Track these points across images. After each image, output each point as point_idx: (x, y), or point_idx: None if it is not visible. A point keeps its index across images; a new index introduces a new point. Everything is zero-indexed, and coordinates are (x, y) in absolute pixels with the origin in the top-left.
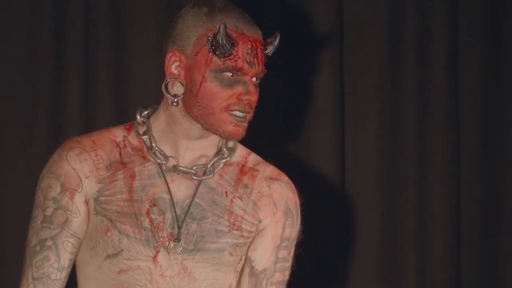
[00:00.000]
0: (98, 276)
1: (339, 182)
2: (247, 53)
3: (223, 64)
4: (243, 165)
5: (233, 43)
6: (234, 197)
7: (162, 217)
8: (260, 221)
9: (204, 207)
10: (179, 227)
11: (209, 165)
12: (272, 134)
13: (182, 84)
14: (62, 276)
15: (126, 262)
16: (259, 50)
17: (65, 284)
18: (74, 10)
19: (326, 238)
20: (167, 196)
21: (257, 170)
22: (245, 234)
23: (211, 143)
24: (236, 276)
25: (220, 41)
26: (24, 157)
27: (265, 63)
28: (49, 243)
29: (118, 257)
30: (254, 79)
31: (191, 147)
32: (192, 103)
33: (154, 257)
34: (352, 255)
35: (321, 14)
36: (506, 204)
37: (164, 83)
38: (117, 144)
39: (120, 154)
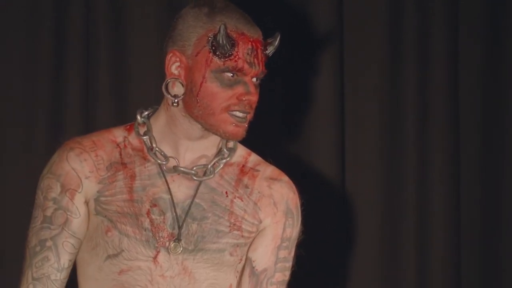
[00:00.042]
0: (99, 277)
1: (339, 182)
2: (248, 54)
3: (224, 64)
4: (243, 165)
5: (233, 44)
6: (235, 197)
7: (162, 217)
8: (260, 222)
9: (204, 207)
10: (180, 227)
11: (209, 166)
12: (272, 134)
13: (182, 85)
14: (61, 276)
15: (126, 262)
16: (259, 51)
17: (64, 284)
18: (74, 10)
19: (326, 238)
20: (167, 197)
21: (258, 170)
22: (246, 234)
23: (211, 143)
24: (236, 276)
25: (221, 42)
26: (24, 157)
27: (265, 63)
28: (49, 243)
29: (118, 258)
30: (254, 79)
31: (192, 147)
32: (192, 104)
33: (155, 258)
34: (352, 255)
35: (321, 14)
36: (506, 204)
37: (164, 83)
38: (118, 145)
39: (121, 154)
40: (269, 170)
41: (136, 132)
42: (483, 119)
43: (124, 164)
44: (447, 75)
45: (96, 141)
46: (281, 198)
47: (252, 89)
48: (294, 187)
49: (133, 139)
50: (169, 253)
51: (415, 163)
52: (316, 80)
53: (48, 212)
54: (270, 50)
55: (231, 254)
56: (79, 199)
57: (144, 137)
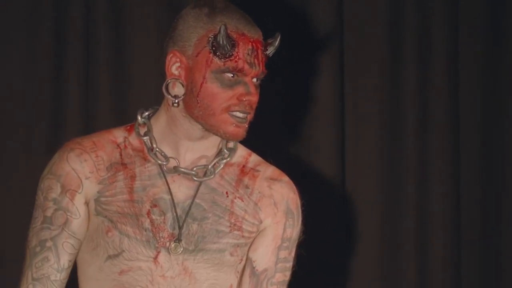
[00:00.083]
0: (99, 277)
1: (339, 182)
2: (248, 54)
3: (224, 65)
4: (243, 166)
5: (233, 44)
6: (235, 198)
7: (162, 217)
8: (260, 222)
9: (204, 207)
10: (180, 228)
11: (209, 166)
12: (272, 135)
13: (182, 85)
14: (61, 277)
15: (127, 262)
16: (259, 51)
17: (64, 285)
18: (74, 10)
19: (326, 238)
20: (167, 197)
21: (258, 171)
22: (246, 234)
23: (211, 143)
24: (237, 277)
25: (221, 42)
26: (24, 157)
27: (265, 63)
28: (49, 244)
29: (119, 258)
30: (254, 79)
31: (192, 147)
32: (192, 104)
33: (155, 258)
34: (352, 255)
35: (321, 14)
36: (506, 204)
37: (164, 84)
38: (118, 145)
39: (121, 155)
40: (269, 170)
41: (136, 132)
42: (483, 119)
43: (124, 165)
44: (447, 75)
45: (96, 142)
46: (281, 199)
47: (252, 89)
48: (294, 187)
49: (133, 140)
50: (169, 253)
51: (415, 163)
52: (316, 80)
53: (48, 213)
54: (270, 50)
55: (231, 254)
56: (79, 200)
57: (145, 138)
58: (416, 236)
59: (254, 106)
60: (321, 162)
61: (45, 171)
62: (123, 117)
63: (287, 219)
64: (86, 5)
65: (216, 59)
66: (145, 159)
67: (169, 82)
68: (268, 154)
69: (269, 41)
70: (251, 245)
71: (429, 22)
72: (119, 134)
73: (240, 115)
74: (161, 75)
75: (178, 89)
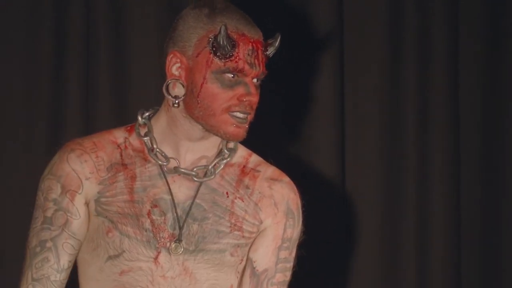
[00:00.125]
0: (100, 278)
1: (339, 182)
2: (248, 54)
3: (224, 65)
4: (244, 166)
5: (234, 45)
6: (235, 198)
7: (163, 218)
8: (261, 222)
9: (205, 207)
10: (180, 228)
11: (210, 167)
12: (272, 135)
13: (183, 86)
14: (61, 277)
15: (127, 263)
16: (259, 51)
17: (64, 285)
18: (74, 10)
19: (326, 238)
20: (168, 197)
21: (258, 171)
22: (246, 234)
23: (212, 144)
24: (237, 277)
25: (221, 43)
26: (24, 157)
27: (265, 64)
28: (49, 244)
29: (119, 258)
30: (255, 80)
31: (192, 148)
32: (193, 105)
33: (156, 258)
34: (352, 255)
35: (321, 14)
36: (506, 204)
37: (165, 84)
38: (118, 146)
39: (121, 155)
40: (270, 170)
41: (137, 133)
42: (483, 119)
43: (124, 165)
44: (447, 75)
45: (96, 142)
46: (281, 199)
47: (252, 90)
48: (295, 187)
49: (133, 140)
50: (170, 253)
51: (415, 163)
52: (316, 80)
53: (49, 213)
54: (270, 50)
55: (231, 255)
56: (79, 200)
57: (145, 138)
58: (416, 236)
59: (255, 107)
60: (321, 162)
61: (46, 171)
62: (123, 117)
63: (288, 219)
64: (86, 5)
65: (216, 60)
66: (145, 160)
67: (170, 83)
68: (268, 154)
69: (269, 41)
70: (251, 246)
71: (429, 22)
72: (119, 135)
73: (241, 115)
74: (161, 75)
75: (178, 90)
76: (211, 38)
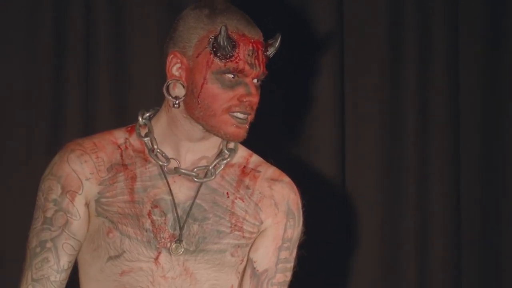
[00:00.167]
0: (100, 278)
1: (339, 182)
2: (248, 55)
3: (224, 66)
4: (244, 166)
5: (234, 45)
6: (236, 198)
7: (163, 218)
8: (261, 222)
9: (205, 208)
10: (181, 228)
11: (210, 167)
12: (272, 135)
13: (183, 86)
14: (61, 278)
15: (128, 263)
16: (260, 52)
17: (64, 286)
18: (74, 10)
19: (326, 238)
20: (168, 198)
21: (259, 171)
22: (247, 235)
23: (212, 144)
24: (238, 277)
25: (221, 43)
26: (24, 157)
27: (266, 64)
28: (49, 244)
29: (120, 259)
30: (255, 80)
31: (193, 148)
32: (193, 105)
33: (156, 258)
34: (352, 255)
35: (321, 14)
36: (506, 204)
37: (165, 85)
38: (119, 146)
39: (121, 156)
40: (270, 171)
41: (137, 133)
42: (483, 119)
43: (125, 166)
44: (447, 75)
45: (97, 143)
46: (282, 199)
47: (253, 90)
48: (295, 188)
49: (134, 141)
50: (170, 254)
51: (415, 163)
52: (316, 80)
53: (49, 214)
54: (270, 51)
55: (232, 255)
56: (79, 201)
57: (145, 139)
58: (416, 236)
59: (255, 107)
60: (321, 162)
61: (46, 172)
62: (123, 117)
63: (288, 219)
64: (86, 5)
65: (216, 60)
66: (145, 160)
67: (170, 83)
68: (269, 154)
69: (270, 41)
70: (252, 246)
71: (429, 22)
72: (119, 135)
73: (241, 116)
74: (161, 76)
75: (178, 90)
76: (211, 38)
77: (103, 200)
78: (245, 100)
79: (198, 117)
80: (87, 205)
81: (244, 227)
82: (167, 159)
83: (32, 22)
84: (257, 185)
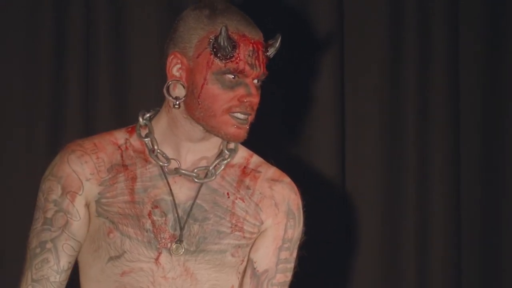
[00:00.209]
0: (101, 278)
1: (339, 182)
2: (249, 55)
3: (225, 66)
4: (245, 167)
5: (234, 45)
6: (236, 199)
7: (164, 218)
8: (262, 223)
9: (206, 208)
10: (181, 229)
11: (210, 167)
12: (272, 135)
13: (183, 87)
14: (61, 278)
15: (128, 264)
16: (260, 52)
17: (64, 286)
18: (74, 10)
19: (326, 238)
20: (169, 198)
21: (259, 172)
22: (247, 235)
23: (212, 145)
24: (238, 278)
25: (222, 44)
26: (24, 157)
27: (266, 65)
28: (49, 245)
29: (120, 259)
30: (255, 81)
31: (193, 149)
32: (193, 106)
33: (157, 259)
34: (352, 255)
35: (321, 14)
36: (506, 204)
37: (165, 85)
38: (119, 147)
39: (122, 156)
40: (270, 171)
41: (137, 134)
42: (483, 119)
43: (125, 166)
44: (447, 75)
45: (97, 143)
46: (282, 199)
47: (253, 90)
48: (295, 188)
49: (134, 141)
50: (171, 254)
51: (415, 163)
52: (317, 80)
53: (49, 214)
54: (271, 51)
55: (232, 255)
56: (79, 202)
57: (146, 139)
58: (416, 236)
59: (255, 107)
60: (321, 162)
61: (46, 172)
62: (123, 117)
63: (288, 220)
64: (86, 5)
65: (217, 61)
66: (146, 161)
67: (170, 84)
68: (269, 154)
69: (270, 42)
70: (252, 246)
71: (429, 22)
72: (120, 136)
73: (241, 116)
74: (162, 76)
75: (179, 91)
76: (211, 39)
77: (104, 200)
78: (245, 100)
79: (198, 117)
80: (87, 205)
81: (245, 227)
82: (168, 160)
83: (32, 22)
84: (258, 185)
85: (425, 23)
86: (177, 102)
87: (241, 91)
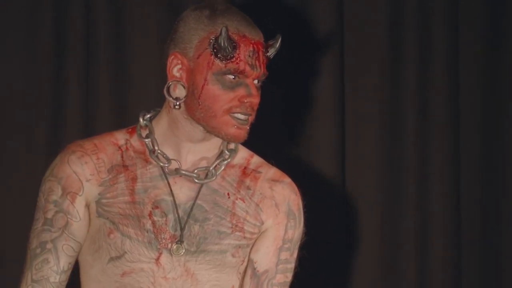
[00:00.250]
0: (102, 279)
1: (339, 182)
2: (249, 56)
3: (225, 66)
4: (245, 167)
5: (234, 46)
6: (236, 199)
7: (164, 219)
8: (262, 223)
9: (206, 208)
10: (182, 229)
11: (211, 168)
12: (272, 135)
13: (184, 87)
14: (61, 279)
15: (129, 264)
16: (260, 53)
17: (64, 287)
18: (74, 10)
19: (326, 238)
20: (169, 198)
21: (260, 172)
22: (248, 235)
23: (213, 145)
24: (239, 278)
25: (222, 44)
26: (24, 157)
27: (266, 65)
28: (49, 246)
29: (121, 260)
30: (255, 81)
31: (193, 149)
32: (194, 106)
33: (157, 259)
34: (352, 255)
35: (321, 14)
36: (506, 204)
37: (166, 86)
38: (119, 147)
39: (122, 157)
40: (271, 171)
41: (138, 134)
42: (483, 119)
43: (125, 167)
44: (447, 75)
45: (97, 144)
46: (283, 200)
47: (253, 91)
48: (296, 188)
49: (135, 142)
50: (171, 254)
51: (415, 163)
52: (317, 80)
53: (49, 215)
54: (271, 52)
55: (233, 256)
56: (79, 202)
57: (146, 140)
58: (416, 236)
59: (256, 108)
60: (321, 162)
61: (47, 173)
62: (123, 117)
63: (289, 220)
64: (86, 5)
65: (217, 61)
66: (146, 161)
67: (171, 84)
68: (269, 155)
69: (270, 42)
70: (252, 246)
71: (429, 22)
72: (120, 137)
73: (242, 116)
74: (162, 77)
75: (179, 91)
76: (212, 39)
77: (104, 201)
78: (245, 101)
79: (198, 118)
80: (87, 206)
81: (245, 227)
82: (168, 160)
83: (32, 22)
84: (258, 185)
85: (425, 23)
86: (178, 103)
87: (241, 91)
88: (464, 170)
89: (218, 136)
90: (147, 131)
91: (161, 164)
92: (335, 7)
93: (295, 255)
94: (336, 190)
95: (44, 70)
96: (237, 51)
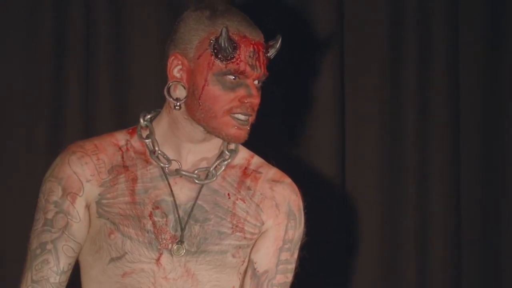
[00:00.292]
0: (102, 279)
1: (339, 182)
2: (249, 56)
3: (226, 67)
4: (246, 168)
5: (235, 46)
6: (237, 199)
7: (165, 219)
8: (262, 223)
9: (206, 209)
10: (182, 229)
11: (211, 168)
12: (272, 135)
13: (184, 88)
14: (60, 280)
15: (129, 265)
16: (261, 53)
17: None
18: (74, 10)
19: (326, 238)
20: (170, 199)
21: (260, 173)
22: (248, 236)
23: (213, 146)
24: (239, 278)
25: (222, 45)
26: (24, 157)
27: (267, 65)
28: (49, 246)
29: (121, 260)
30: (256, 82)
31: (194, 150)
32: (194, 107)
33: (158, 260)
34: (352, 255)
35: (321, 14)
36: (506, 204)
37: (166, 86)
38: (120, 148)
39: (122, 157)
40: (271, 172)
41: (138, 135)
42: (483, 119)
43: (126, 167)
44: (447, 75)
45: (98, 145)
46: (283, 200)
47: (254, 91)
48: (296, 189)
49: (135, 142)
50: (172, 255)
51: (415, 163)
52: (317, 80)
53: (49, 215)
54: (271, 52)
55: (233, 256)
56: (80, 203)
57: (147, 140)
58: (416, 236)
59: (256, 108)
60: (321, 162)
61: (47, 173)
62: (123, 117)
63: (289, 220)
64: (86, 5)
65: (217, 62)
66: (147, 162)
67: (171, 85)
68: (269, 155)
69: (271, 43)
70: (253, 247)
71: (429, 22)
72: (121, 137)
73: (242, 117)
74: (161, 76)
75: (180, 92)
76: (212, 40)
77: (104, 201)
78: (246, 101)
79: (199, 118)
80: (87, 207)
81: (245, 228)
82: (168, 161)
83: (32, 22)
84: (258, 186)
85: (425, 23)
86: (178, 103)
87: (241, 92)
88: (464, 170)
89: (219, 137)
90: (147, 132)
91: (162, 164)
92: (335, 7)
93: (295, 255)
94: (336, 190)
95: (44, 70)
96: (238, 51)
